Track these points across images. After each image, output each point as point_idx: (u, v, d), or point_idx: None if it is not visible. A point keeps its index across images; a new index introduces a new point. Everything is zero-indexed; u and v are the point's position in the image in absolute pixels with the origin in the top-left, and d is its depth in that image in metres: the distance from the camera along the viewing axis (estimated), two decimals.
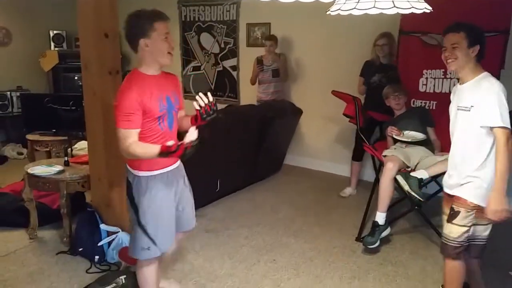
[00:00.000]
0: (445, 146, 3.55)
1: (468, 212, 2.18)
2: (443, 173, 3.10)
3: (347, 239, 3.44)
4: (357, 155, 4.32)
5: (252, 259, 3.14)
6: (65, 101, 4.09)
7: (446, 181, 2.38)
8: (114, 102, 2.04)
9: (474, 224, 2.21)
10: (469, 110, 2.16)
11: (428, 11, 1.46)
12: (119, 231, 3.05)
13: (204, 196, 3.98)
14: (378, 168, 3.61)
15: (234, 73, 5.75)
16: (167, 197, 2.17)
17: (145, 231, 2.14)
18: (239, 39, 5.58)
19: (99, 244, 2.99)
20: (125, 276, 2.75)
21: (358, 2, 1.31)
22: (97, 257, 2.98)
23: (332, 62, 4.88)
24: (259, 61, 4.85)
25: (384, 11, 1.37)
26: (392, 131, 3.34)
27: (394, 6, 1.33)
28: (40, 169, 3.18)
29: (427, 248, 3.33)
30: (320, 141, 5.15)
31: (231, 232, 3.56)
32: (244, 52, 5.50)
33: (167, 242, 2.25)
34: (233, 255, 3.19)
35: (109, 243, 3.03)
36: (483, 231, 2.27)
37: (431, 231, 3.34)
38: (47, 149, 4.47)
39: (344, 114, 3.70)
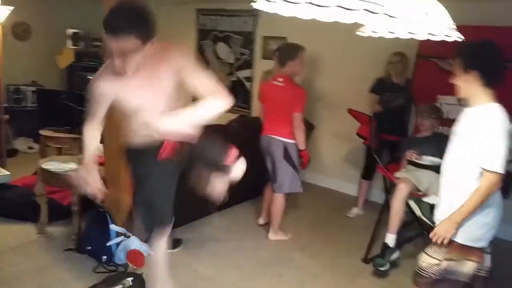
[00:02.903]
0: None
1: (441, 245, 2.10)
2: None
3: (352, 259, 3.44)
4: (368, 174, 4.31)
5: (257, 272, 3.15)
6: (82, 100, 4.13)
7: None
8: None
9: (448, 259, 2.11)
10: (463, 137, 2.07)
11: (460, 40, 1.49)
12: (128, 233, 3.07)
13: (211, 204, 4.00)
14: (388, 190, 3.63)
15: (248, 84, 5.81)
16: None
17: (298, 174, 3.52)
18: (255, 51, 5.64)
19: (107, 244, 3.01)
20: (132, 278, 2.76)
21: (392, 26, 1.35)
22: (104, 257, 3.00)
23: (346, 80, 4.92)
24: None
25: (416, 37, 1.41)
26: (411, 156, 3.35)
27: (429, 33, 1.36)
28: (54, 165, 3.22)
29: None
30: (330, 158, 5.16)
31: (236, 243, 3.56)
32: (259, 64, 5.56)
33: None
34: (239, 267, 3.19)
35: (117, 244, 3.04)
36: (460, 268, 2.13)
37: None
38: (59, 146, 4.51)
39: (358, 134, 3.72)
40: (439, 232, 2.06)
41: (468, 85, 2.02)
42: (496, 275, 3.30)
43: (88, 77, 6.36)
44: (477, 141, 1.98)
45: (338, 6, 0.78)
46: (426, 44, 3.68)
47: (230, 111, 6.49)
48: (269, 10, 0.97)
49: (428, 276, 2.17)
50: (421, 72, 3.84)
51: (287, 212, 4.30)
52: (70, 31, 6.48)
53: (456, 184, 2.09)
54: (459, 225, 2.04)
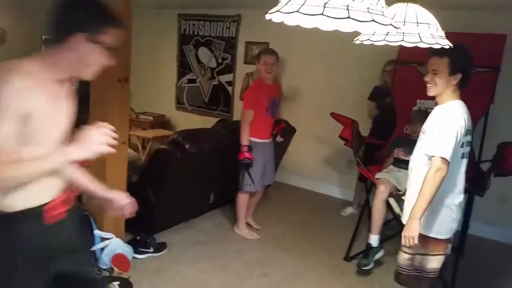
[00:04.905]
0: None
1: None
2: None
3: (335, 259, 3.51)
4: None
5: (244, 273, 3.18)
6: None
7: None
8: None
9: (418, 254, 2.21)
10: (424, 133, 2.18)
11: (448, 47, 1.58)
12: (113, 237, 3.05)
13: (196, 208, 4.01)
14: (369, 190, 3.73)
15: (229, 88, 5.85)
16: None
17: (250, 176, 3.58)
18: (237, 56, 5.69)
19: (92, 249, 2.98)
20: (118, 282, 2.76)
21: (387, 34, 1.42)
22: None
23: (327, 84, 5.03)
24: None
25: (409, 45, 1.49)
26: (398, 153, 3.46)
27: (421, 41, 1.44)
28: None
29: None
30: (311, 161, 5.25)
31: (222, 246, 3.58)
32: (241, 69, 5.60)
33: (258, 185, 3.66)
34: (225, 268, 3.21)
35: (102, 249, 3.02)
36: (430, 263, 2.23)
37: None
38: None
39: (340, 137, 3.80)
40: (407, 234, 2.07)
41: (447, 85, 2.13)
42: (467, 265, 3.47)
43: None
44: (429, 133, 2.10)
45: (350, 18, 0.83)
46: (405, 50, 3.81)
47: (212, 115, 6.55)
48: (277, 20, 1.01)
49: (406, 272, 2.28)
50: (400, 77, 3.96)
51: (270, 214, 4.36)
52: (46, 37, 6.35)
53: (419, 178, 2.14)
54: (427, 218, 2.12)
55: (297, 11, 0.88)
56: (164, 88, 6.54)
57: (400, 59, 3.94)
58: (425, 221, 2.13)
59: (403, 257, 2.27)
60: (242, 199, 3.73)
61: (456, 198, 2.21)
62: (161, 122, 6.38)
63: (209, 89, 6.05)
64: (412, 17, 1.48)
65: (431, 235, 2.18)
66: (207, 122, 5.63)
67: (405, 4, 1.54)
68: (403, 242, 2.14)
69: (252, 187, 3.62)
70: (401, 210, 3.08)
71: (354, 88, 4.77)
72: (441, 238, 2.21)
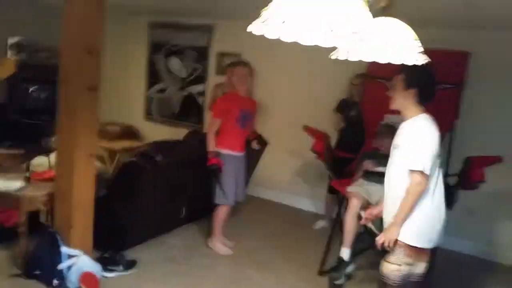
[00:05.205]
0: None
1: (398, 250, 2.24)
2: None
3: (309, 273, 3.49)
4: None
5: None
6: (26, 114, 3.90)
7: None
8: None
9: (406, 264, 2.26)
10: (397, 148, 2.27)
11: (424, 62, 1.61)
12: (80, 255, 2.92)
13: (167, 223, 3.91)
14: (340, 203, 3.75)
15: (200, 99, 5.79)
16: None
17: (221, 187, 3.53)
18: (208, 66, 5.65)
19: (59, 268, 2.84)
20: None
21: (363, 50, 1.43)
22: (56, 281, 2.83)
23: (299, 97, 5.06)
24: None
25: (384, 61, 1.50)
26: (368, 165, 3.49)
27: (397, 58, 1.46)
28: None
29: None
30: (283, 174, 5.24)
31: (193, 262, 3.51)
32: (213, 80, 5.56)
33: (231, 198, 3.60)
34: (196, 286, 3.14)
35: (69, 267, 2.88)
36: (415, 270, 2.30)
37: None
38: None
39: (312, 150, 3.82)
40: (388, 237, 2.21)
41: (405, 100, 2.25)
42: (438, 277, 3.53)
43: (31, 89, 6.03)
44: (404, 147, 2.19)
45: (332, 34, 0.83)
46: (374, 65, 3.88)
47: (182, 126, 6.42)
48: (258, 33, 0.99)
49: (391, 283, 2.28)
50: (369, 92, 4.03)
51: (241, 228, 4.31)
52: (11, 40, 6.10)
53: (397, 192, 2.23)
54: (413, 229, 2.20)
55: (281, 23, 0.86)
56: (132, 98, 6.40)
57: (369, 74, 4.01)
58: (412, 232, 2.21)
59: (390, 268, 2.28)
60: (221, 213, 3.66)
61: (441, 208, 2.29)
62: (129, 132, 6.22)
63: (180, 99, 5.97)
64: (390, 32, 1.50)
65: (417, 245, 2.23)
66: (176, 133, 5.53)
67: (385, 18, 1.56)
68: (380, 241, 2.24)
69: (224, 200, 3.56)
70: (373, 223, 3.11)
71: (325, 101, 4.82)
72: (426, 247, 2.27)
